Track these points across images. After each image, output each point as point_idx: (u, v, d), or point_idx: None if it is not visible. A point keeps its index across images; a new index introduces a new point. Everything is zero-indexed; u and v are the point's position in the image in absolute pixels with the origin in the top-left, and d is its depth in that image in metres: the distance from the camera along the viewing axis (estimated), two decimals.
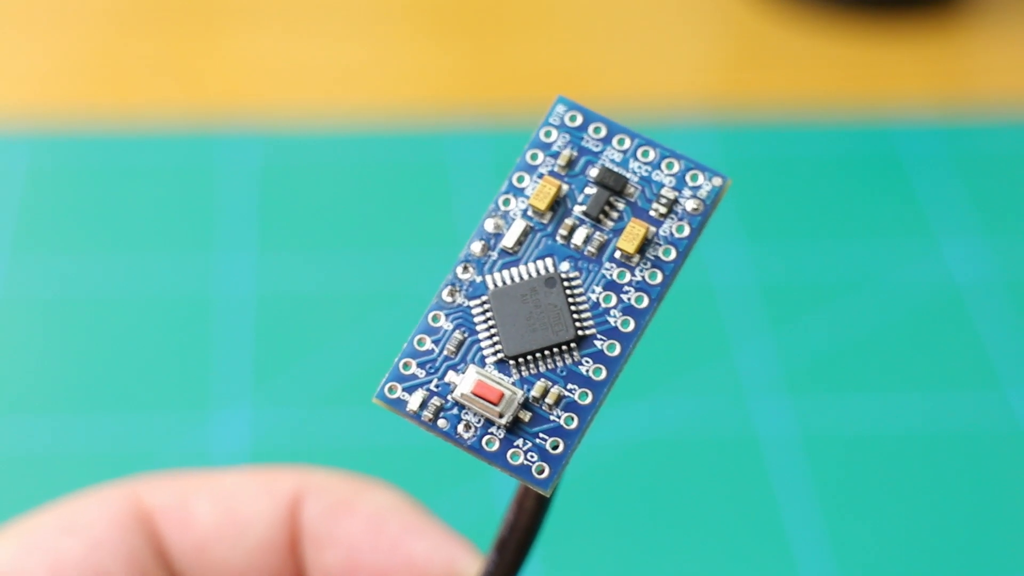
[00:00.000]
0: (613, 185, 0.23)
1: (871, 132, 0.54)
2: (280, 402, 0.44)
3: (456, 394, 0.22)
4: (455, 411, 0.22)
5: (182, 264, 0.48)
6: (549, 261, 0.22)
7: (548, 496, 0.22)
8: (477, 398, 0.22)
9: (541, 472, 0.22)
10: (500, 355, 0.22)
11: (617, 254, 0.22)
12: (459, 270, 0.23)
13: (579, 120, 0.23)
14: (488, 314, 0.22)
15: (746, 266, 0.49)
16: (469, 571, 0.27)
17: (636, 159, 0.23)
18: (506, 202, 0.23)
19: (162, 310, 0.47)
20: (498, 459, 0.22)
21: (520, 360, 0.22)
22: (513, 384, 0.22)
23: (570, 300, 0.22)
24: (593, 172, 0.23)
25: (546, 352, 0.22)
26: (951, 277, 0.49)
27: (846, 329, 0.47)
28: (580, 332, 0.22)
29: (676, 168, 0.23)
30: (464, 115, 0.54)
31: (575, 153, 0.23)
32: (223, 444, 0.43)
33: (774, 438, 0.43)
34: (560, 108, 0.23)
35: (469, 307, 0.22)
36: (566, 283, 0.22)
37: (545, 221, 0.23)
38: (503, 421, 0.22)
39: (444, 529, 0.28)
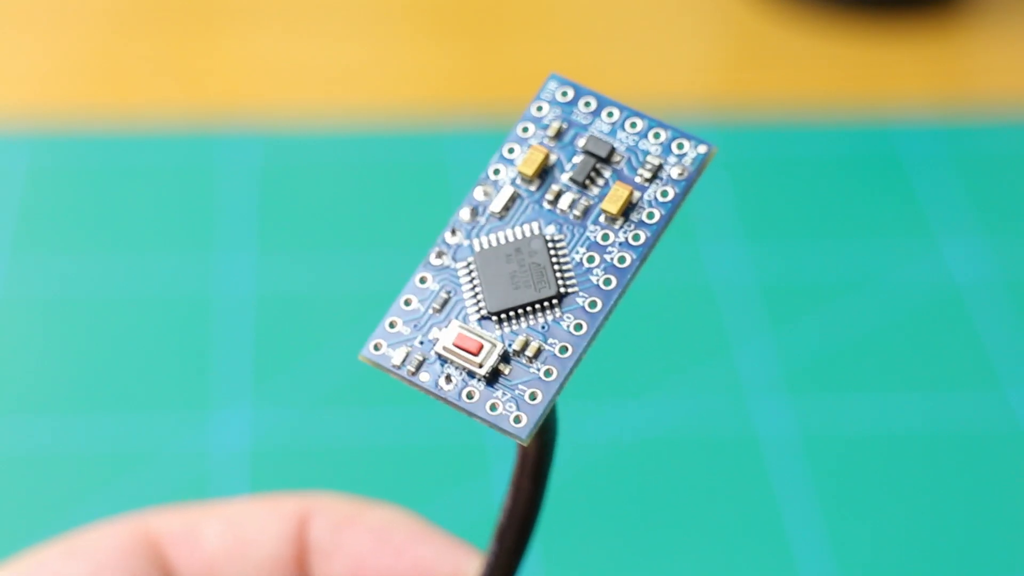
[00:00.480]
0: (599, 153, 0.23)
1: (871, 132, 0.54)
2: (280, 402, 0.44)
3: (438, 347, 0.22)
4: (437, 365, 0.22)
5: (182, 264, 0.48)
6: (535, 225, 0.23)
7: (525, 445, 0.22)
8: (458, 349, 0.22)
9: (518, 421, 0.22)
10: (483, 312, 0.22)
11: (602, 217, 0.23)
12: (447, 234, 0.23)
13: (570, 95, 0.24)
14: (473, 274, 0.23)
15: (746, 266, 0.49)
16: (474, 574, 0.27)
17: (624, 130, 0.23)
18: (496, 171, 0.24)
19: (162, 310, 0.47)
20: (477, 409, 0.22)
21: (502, 316, 0.22)
22: (495, 338, 0.22)
23: (553, 260, 0.23)
24: (581, 141, 0.23)
25: (528, 308, 0.22)
26: (951, 277, 0.49)
27: (846, 329, 0.47)
28: (562, 289, 0.22)
29: (663, 137, 0.23)
30: (464, 115, 0.54)
31: (564, 125, 0.24)
32: (223, 444, 0.43)
33: (774, 438, 0.43)
34: (552, 84, 0.24)
35: (455, 268, 0.23)
36: (550, 244, 0.23)
37: (533, 188, 0.23)
38: (483, 371, 0.22)
39: (449, 536, 0.28)
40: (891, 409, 0.44)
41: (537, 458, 0.24)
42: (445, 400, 0.22)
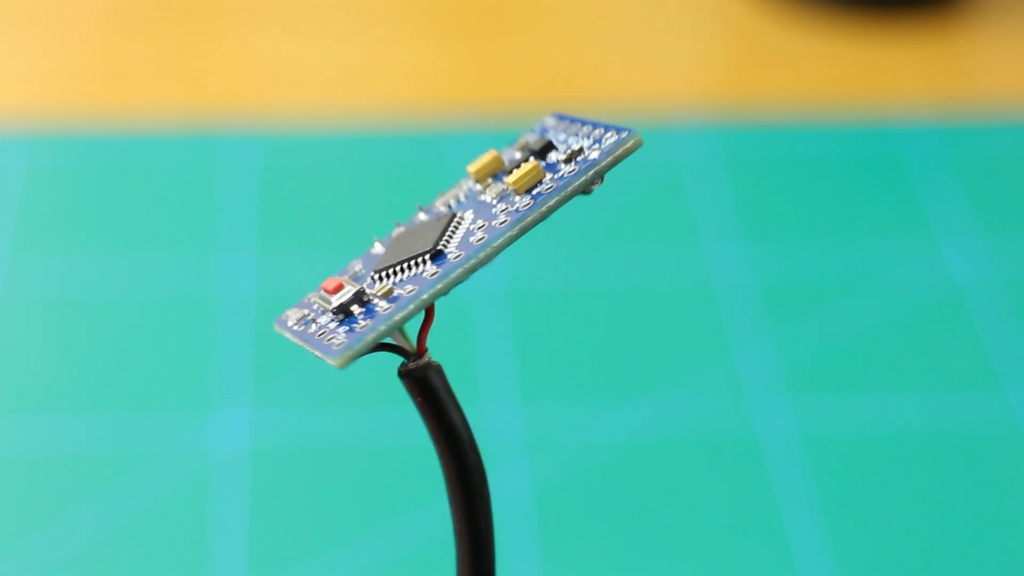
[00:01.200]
0: (536, 147, 0.23)
1: (871, 132, 0.54)
2: (280, 402, 0.44)
3: (314, 296, 0.23)
4: (314, 317, 0.23)
5: (182, 264, 0.48)
6: (459, 211, 0.23)
7: (340, 367, 0.21)
8: (324, 293, 0.23)
9: (338, 344, 0.22)
10: (372, 275, 0.23)
11: (511, 196, 0.23)
12: (394, 231, 0.24)
13: (556, 123, 0.24)
14: (385, 249, 0.24)
15: (746, 266, 0.49)
16: None
17: (576, 136, 0.23)
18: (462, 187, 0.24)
19: (162, 310, 0.47)
20: (313, 341, 0.22)
21: (384, 274, 0.23)
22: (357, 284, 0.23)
23: (449, 230, 0.23)
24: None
25: (404, 265, 0.23)
26: (951, 277, 0.49)
27: (846, 329, 0.47)
28: (440, 247, 0.22)
29: (598, 133, 0.23)
30: (464, 115, 0.54)
31: (532, 141, 0.24)
32: (223, 444, 0.43)
33: (774, 438, 0.43)
34: (549, 120, 0.24)
35: (379, 254, 0.24)
36: (457, 220, 0.23)
37: (479, 188, 0.24)
38: (331, 307, 0.22)
39: None
40: (891, 409, 0.44)
41: (458, 476, 0.23)
42: (298, 340, 0.22)
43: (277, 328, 0.23)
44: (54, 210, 0.50)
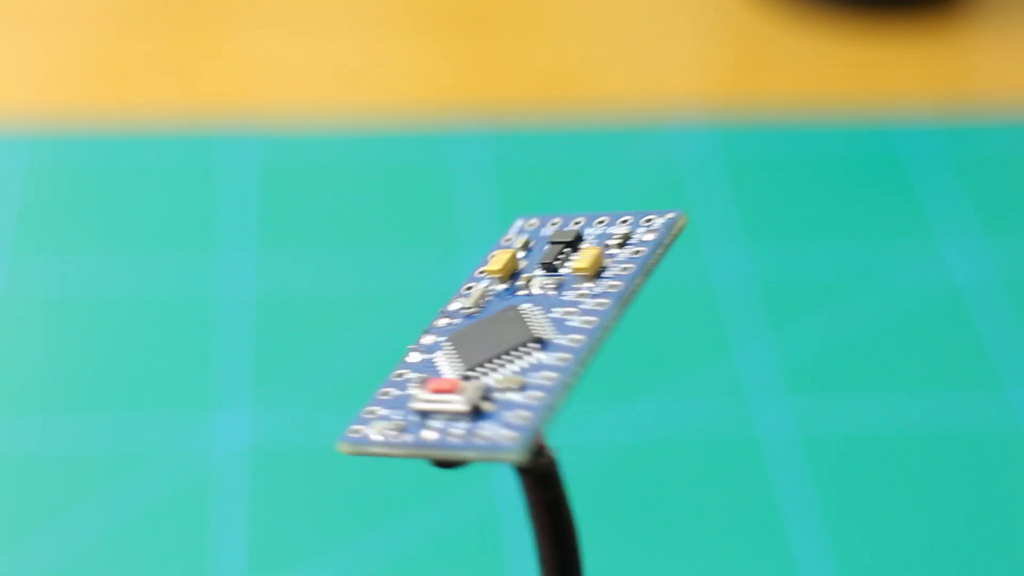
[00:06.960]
0: (566, 239, 0.23)
1: (871, 132, 0.54)
2: (280, 402, 0.44)
3: (416, 404, 0.21)
4: (419, 423, 0.21)
5: (182, 264, 0.48)
6: (510, 305, 0.23)
7: (520, 461, 0.20)
8: (436, 395, 0.21)
9: (509, 439, 0.20)
10: (462, 372, 0.22)
11: (575, 282, 0.23)
12: (423, 338, 0.23)
13: (536, 222, 0.24)
14: (451, 351, 0.22)
15: (746, 266, 0.49)
16: None
17: (591, 227, 0.24)
18: (468, 289, 0.24)
19: (162, 310, 0.47)
20: (464, 446, 0.20)
21: (480, 367, 0.22)
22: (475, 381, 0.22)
23: (529, 319, 0.22)
24: (547, 238, 0.24)
25: (507, 355, 0.22)
26: (951, 277, 0.49)
27: (846, 329, 0.47)
28: (539, 335, 0.22)
29: (630, 220, 0.24)
30: (464, 115, 0.54)
31: (532, 241, 0.24)
32: (223, 444, 0.43)
33: (774, 438, 0.43)
34: (518, 222, 0.25)
35: (432, 358, 0.23)
36: (525, 310, 0.22)
37: (504, 287, 0.23)
38: (465, 408, 0.21)
39: None
40: (891, 409, 0.44)
41: (547, 515, 0.22)
42: (429, 454, 0.21)
43: (346, 448, 0.21)
44: (54, 210, 0.50)
